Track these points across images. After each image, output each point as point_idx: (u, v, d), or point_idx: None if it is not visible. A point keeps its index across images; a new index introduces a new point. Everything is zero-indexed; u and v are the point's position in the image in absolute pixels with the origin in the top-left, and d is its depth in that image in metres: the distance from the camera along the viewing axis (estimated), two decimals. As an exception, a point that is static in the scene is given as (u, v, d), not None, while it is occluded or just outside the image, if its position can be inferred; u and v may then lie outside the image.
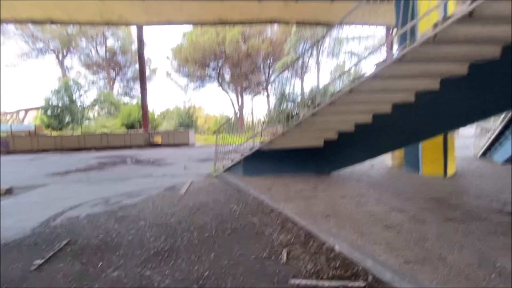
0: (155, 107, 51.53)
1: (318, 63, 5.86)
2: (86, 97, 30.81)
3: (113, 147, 20.25)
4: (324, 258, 2.78)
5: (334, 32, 22.88)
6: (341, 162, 7.04)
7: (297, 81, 34.13)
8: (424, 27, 5.82)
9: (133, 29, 27.69)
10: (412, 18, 3.70)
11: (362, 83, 4.08)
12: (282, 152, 6.98)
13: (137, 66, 31.11)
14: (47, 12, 15.32)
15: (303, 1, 14.21)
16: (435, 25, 2.89)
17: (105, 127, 27.53)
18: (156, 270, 2.62)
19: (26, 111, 36.38)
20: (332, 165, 7.17)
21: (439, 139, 6.68)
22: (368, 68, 4.00)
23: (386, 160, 8.81)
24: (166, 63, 63.67)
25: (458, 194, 5.15)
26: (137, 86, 39.78)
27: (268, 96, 35.76)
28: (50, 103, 27.44)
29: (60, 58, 37.15)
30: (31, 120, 33.53)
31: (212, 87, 55.87)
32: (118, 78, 41.76)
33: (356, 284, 2.32)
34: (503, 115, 8.87)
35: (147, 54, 47.28)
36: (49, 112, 27.39)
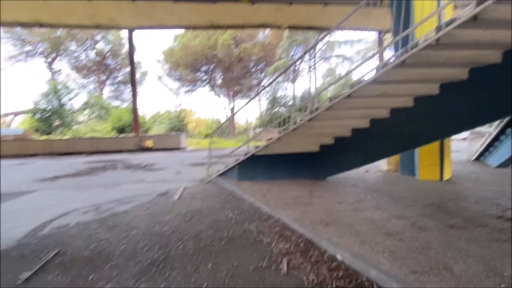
0: (146, 110, 51.21)
1: (312, 68, 5.81)
2: (76, 100, 30.44)
3: (103, 152, 19.88)
4: (326, 268, 2.68)
5: (327, 37, 23.07)
6: (337, 167, 6.97)
7: (289, 85, 34.33)
8: (418, 31, 5.86)
9: (124, 32, 27.43)
10: (408, 21, 3.67)
11: (361, 88, 4.03)
12: (277, 157, 6.88)
13: (127, 69, 30.75)
14: (35, 15, 14.99)
15: (296, 5, 14.14)
16: (438, 29, 2.84)
17: (95, 131, 27.08)
18: (151, 283, 2.49)
19: (14, 114, 35.68)
20: (327, 170, 7.10)
21: (435, 143, 6.67)
22: (361, 73, 3.96)
23: (382, 165, 8.78)
24: (157, 67, 63.34)
25: (456, 199, 5.11)
26: (127, 90, 39.48)
27: (260, 100, 36.05)
28: (39, 106, 26.94)
29: (49, 61, 36.59)
30: (19, 124, 32.87)
31: (204, 91, 55.59)
32: (108, 81, 41.30)
33: (362, 296, 2.22)
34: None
35: (137, 57, 46.92)
36: (37, 115, 26.86)
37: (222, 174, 7.48)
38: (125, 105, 36.08)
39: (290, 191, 5.87)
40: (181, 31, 35.71)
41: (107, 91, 41.51)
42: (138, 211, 4.80)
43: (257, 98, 36.10)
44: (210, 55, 36.00)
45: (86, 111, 33.44)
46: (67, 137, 23.28)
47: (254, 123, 33.21)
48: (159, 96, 70.52)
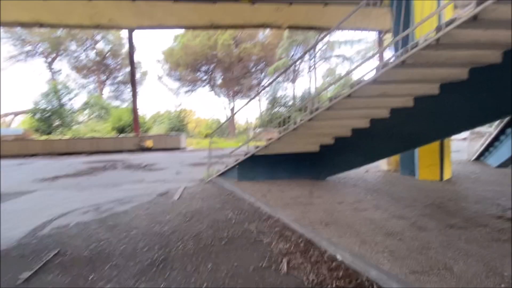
0: (146, 110, 51.16)
1: (312, 68, 5.82)
2: (76, 100, 30.42)
3: (103, 152, 19.88)
4: (326, 268, 2.68)
5: (327, 37, 23.08)
6: (337, 167, 6.96)
7: (289, 85, 34.31)
8: (418, 31, 5.86)
9: (124, 32, 27.41)
10: (408, 21, 3.67)
11: (361, 88, 4.02)
12: (277, 157, 6.88)
13: (127, 69, 30.71)
14: (35, 15, 14.99)
15: (296, 5, 14.14)
16: (438, 29, 2.84)
17: (95, 131, 27.07)
18: (151, 283, 2.49)
19: (14, 114, 35.66)
20: (327, 170, 7.09)
21: (435, 143, 6.67)
22: (361, 73, 3.96)
23: (382, 165, 8.78)
24: (157, 67, 63.35)
25: (456, 199, 5.10)
26: (127, 90, 39.46)
27: (259, 100, 36.05)
28: (39, 106, 26.94)
29: (49, 61, 36.57)
30: (19, 124, 32.84)
31: (204, 91, 55.57)
32: (108, 81, 41.28)
33: (362, 296, 2.22)
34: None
35: (137, 57, 46.91)
36: (37, 115, 26.86)
37: (222, 174, 7.48)
38: (125, 105, 36.13)
39: (290, 191, 5.87)
40: (181, 31, 35.77)
41: (107, 91, 41.58)
42: (138, 211, 4.80)
43: (257, 98, 36.10)
44: (210, 55, 36.00)
45: (86, 111, 33.44)
46: (67, 137, 23.28)
47: (254, 123, 33.24)
48: (159, 96, 70.65)
